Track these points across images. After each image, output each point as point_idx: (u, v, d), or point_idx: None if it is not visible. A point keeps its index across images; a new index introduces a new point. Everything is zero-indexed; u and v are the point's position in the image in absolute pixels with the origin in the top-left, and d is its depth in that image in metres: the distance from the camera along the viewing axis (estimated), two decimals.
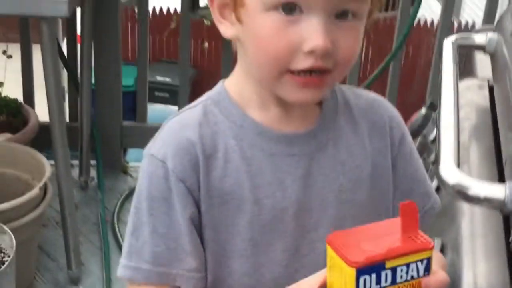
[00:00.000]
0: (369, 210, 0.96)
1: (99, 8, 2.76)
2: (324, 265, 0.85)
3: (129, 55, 7.84)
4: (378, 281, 0.79)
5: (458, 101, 1.21)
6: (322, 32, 0.82)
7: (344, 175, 0.95)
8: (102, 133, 3.00)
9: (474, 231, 1.09)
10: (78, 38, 2.89)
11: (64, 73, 2.99)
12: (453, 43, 1.42)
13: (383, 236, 0.81)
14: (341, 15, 0.84)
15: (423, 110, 1.37)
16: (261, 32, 0.84)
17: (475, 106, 1.44)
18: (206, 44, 6.78)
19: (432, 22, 7.70)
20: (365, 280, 0.78)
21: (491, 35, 1.45)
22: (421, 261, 0.80)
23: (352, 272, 0.78)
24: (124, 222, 2.77)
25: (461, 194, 0.98)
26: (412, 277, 0.80)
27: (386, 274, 0.79)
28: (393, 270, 0.79)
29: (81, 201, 2.85)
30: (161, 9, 9.33)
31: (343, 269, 0.79)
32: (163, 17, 9.18)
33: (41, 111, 2.94)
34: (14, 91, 2.90)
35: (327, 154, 0.95)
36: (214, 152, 0.91)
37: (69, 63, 2.95)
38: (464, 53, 1.68)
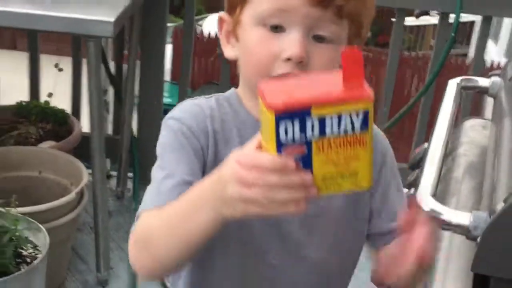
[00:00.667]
0: (345, 216, 1.09)
1: (147, 29, 2.94)
2: (296, 256, 0.99)
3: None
4: (303, 130, 0.71)
5: (449, 139, 1.32)
6: (298, 43, 0.97)
7: None
8: (141, 146, 3.17)
9: (450, 254, 1.19)
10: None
11: (111, 89, 3.18)
12: (457, 84, 1.53)
13: (321, 83, 0.74)
14: (318, 38, 0.99)
15: (426, 145, 1.47)
16: (250, 42, 1.01)
17: (474, 144, 1.54)
18: None
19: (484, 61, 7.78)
20: (286, 127, 0.70)
21: (495, 79, 1.56)
22: (356, 113, 0.71)
23: (272, 116, 0.70)
24: None
25: (434, 220, 1.08)
26: (345, 132, 0.71)
27: (313, 124, 0.71)
28: (321, 120, 0.71)
29: (116, 210, 3.01)
30: (216, 33, 9.58)
31: (266, 116, 0.72)
32: (217, 41, 9.42)
33: (87, 123, 3.13)
34: (62, 102, 3.09)
35: None
36: (220, 131, 1.06)
37: (115, 79, 3.13)
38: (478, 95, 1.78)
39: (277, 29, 0.98)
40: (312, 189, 0.76)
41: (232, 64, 1.08)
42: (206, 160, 1.04)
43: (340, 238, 1.10)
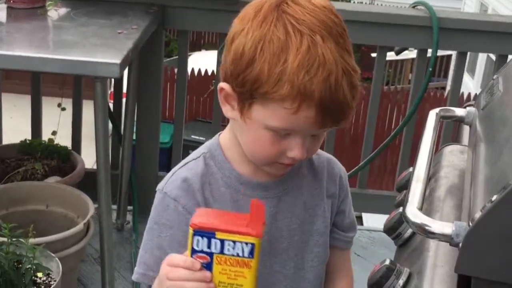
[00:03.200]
0: (324, 236, 1.31)
1: (144, 69, 3.12)
2: (293, 278, 1.18)
3: (167, 113, 8.26)
4: (209, 246, 1.02)
5: (431, 162, 1.50)
6: (302, 148, 1.15)
7: (306, 211, 1.29)
8: (139, 181, 3.32)
9: (436, 262, 1.36)
10: (124, 94, 3.25)
11: (109, 126, 3.34)
12: (436, 114, 1.71)
13: (233, 219, 1.05)
14: (314, 135, 1.18)
15: (411, 169, 1.65)
16: (260, 140, 1.16)
17: (454, 167, 1.72)
18: None
19: (462, 95, 8.08)
20: (198, 240, 1.02)
21: (470, 109, 1.74)
22: (246, 243, 1.02)
23: (191, 230, 1.03)
24: None
25: (421, 230, 1.26)
26: (237, 254, 1.02)
27: (216, 243, 1.02)
28: (222, 241, 1.02)
29: (117, 241, 3.15)
30: (199, 71, 9.78)
31: (189, 230, 1.04)
32: (201, 79, 9.63)
33: (85, 158, 3.28)
34: (64, 142, 3.25)
35: (291, 196, 1.28)
36: (210, 197, 1.22)
37: (114, 117, 3.30)
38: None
39: (285, 135, 1.15)
40: (211, 285, 1.04)
41: None
42: None
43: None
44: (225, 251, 1.03)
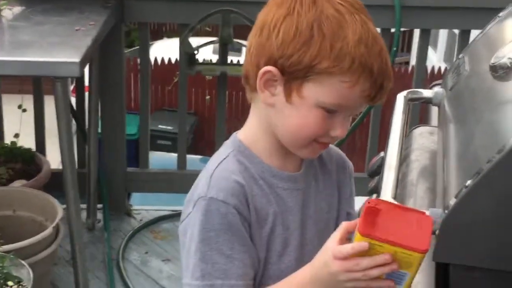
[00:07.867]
0: (335, 223, 1.30)
1: (106, 64, 3.05)
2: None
3: (132, 104, 8.16)
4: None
5: (402, 147, 1.48)
6: (345, 127, 1.18)
7: (323, 200, 1.30)
8: (108, 178, 3.27)
9: None
10: (86, 88, 3.18)
11: (73, 123, 3.27)
12: (404, 97, 1.69)
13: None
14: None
15: (382, 154, 1.63)
16: (309, 119, 1.16)
17: (424, 150, 1.70)
18: (208, 97, 7.30)
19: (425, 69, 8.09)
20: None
21: (437, 89, 1.73)
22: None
23: (422, 255, 1.03)
24: (128, 260, 3.02)
25: None
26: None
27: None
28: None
29: (88, 241, 3.10)
30: (162, 60, 9.68)
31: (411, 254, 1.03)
32: (166, 68, 9.53)
33: (51, 158, 3.21)
34: (27, 141, 3.17)
35: (312, 188, 1.28)
36: (252, 190, 1.20)
37: (78, 113, 3.23)
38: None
39: (333, 112, 1.16)
40: (393, 266, 1.05)
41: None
42: (251, 221, 1.19)
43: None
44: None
